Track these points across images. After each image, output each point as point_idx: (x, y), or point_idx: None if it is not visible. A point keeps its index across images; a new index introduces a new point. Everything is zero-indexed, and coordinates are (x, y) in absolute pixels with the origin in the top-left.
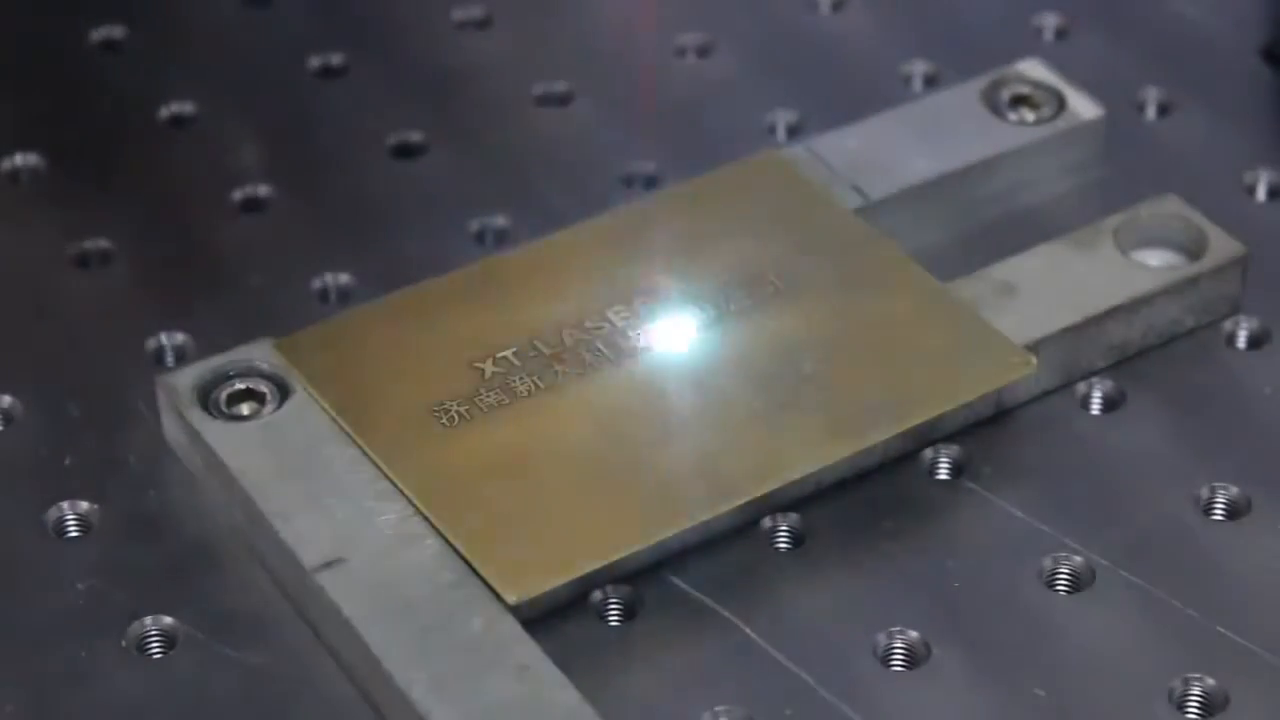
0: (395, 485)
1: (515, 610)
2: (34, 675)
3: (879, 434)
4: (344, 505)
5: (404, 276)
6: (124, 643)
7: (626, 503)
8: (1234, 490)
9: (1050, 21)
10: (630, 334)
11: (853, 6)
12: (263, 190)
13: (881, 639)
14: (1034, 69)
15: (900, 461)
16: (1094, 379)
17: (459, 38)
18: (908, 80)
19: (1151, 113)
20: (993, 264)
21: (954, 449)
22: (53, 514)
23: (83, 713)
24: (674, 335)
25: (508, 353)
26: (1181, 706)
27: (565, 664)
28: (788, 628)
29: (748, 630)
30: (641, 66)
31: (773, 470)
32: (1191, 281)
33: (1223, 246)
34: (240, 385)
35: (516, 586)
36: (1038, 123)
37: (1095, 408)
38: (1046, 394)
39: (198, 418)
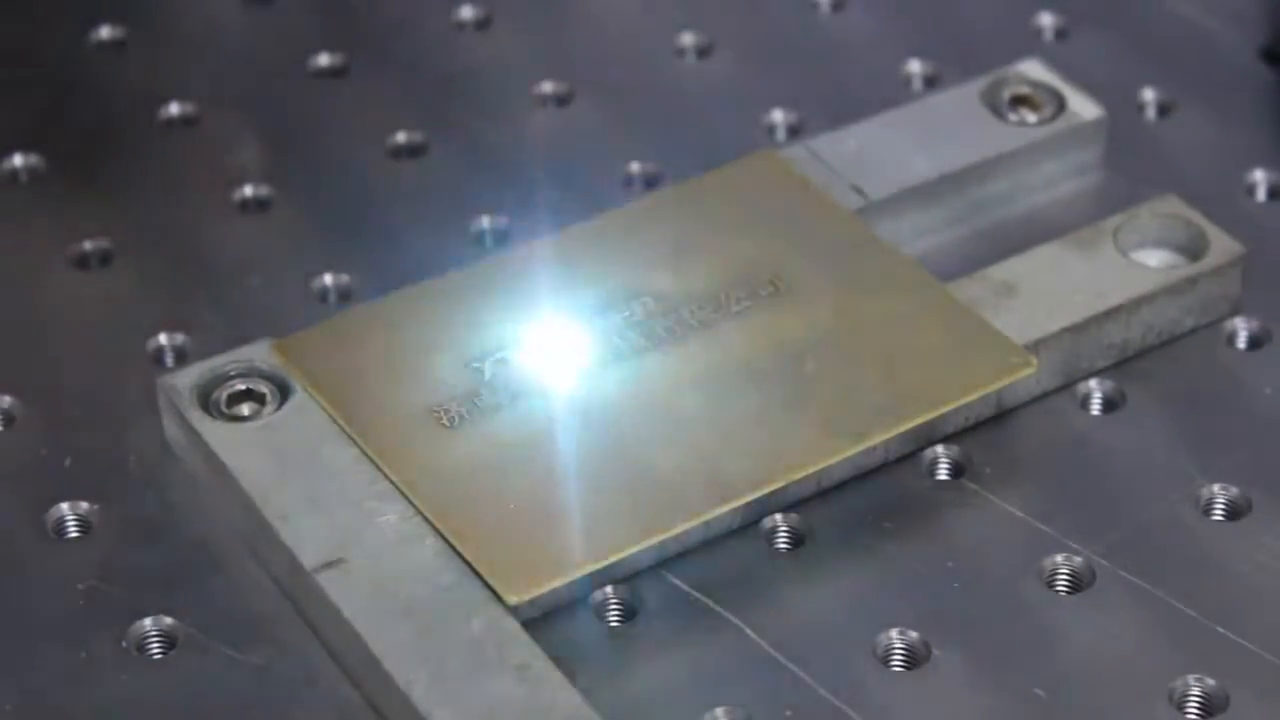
0: (395, 485)
1: (515, 610)
2: (34, 675)
3: (879, 434)
4: (344, 505)
5: (404, 276)
6: (124, 643)
7: (626, 503)
8: (1234, 490)
9: (1050, 21)
10: (630, 334)
11: (853, 6)
12: (263, 190)
13: (881, 639)
14: (1034, 69)
15: (900, 461)
16: (1094, 379)
17: (459, 38)
18: (908, 80)
19: (1151, 113)
20: (993, 264)
21: (954, 449)
22: (53, 514)
23: (83, 713)
24: (674, 335)
25: (508, 353)
26: (1181, 707)
27: (565, 664)
28: (788, 628)
29: (748, 630)
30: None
31: (773, 470)
32: (1191, 282)
33: (1223, 247)
34: (240, 386)
35: (516, 586)
36: (1038, 123)
37: (1095, 408)
38: (1046, 394)
39: (198, 418)
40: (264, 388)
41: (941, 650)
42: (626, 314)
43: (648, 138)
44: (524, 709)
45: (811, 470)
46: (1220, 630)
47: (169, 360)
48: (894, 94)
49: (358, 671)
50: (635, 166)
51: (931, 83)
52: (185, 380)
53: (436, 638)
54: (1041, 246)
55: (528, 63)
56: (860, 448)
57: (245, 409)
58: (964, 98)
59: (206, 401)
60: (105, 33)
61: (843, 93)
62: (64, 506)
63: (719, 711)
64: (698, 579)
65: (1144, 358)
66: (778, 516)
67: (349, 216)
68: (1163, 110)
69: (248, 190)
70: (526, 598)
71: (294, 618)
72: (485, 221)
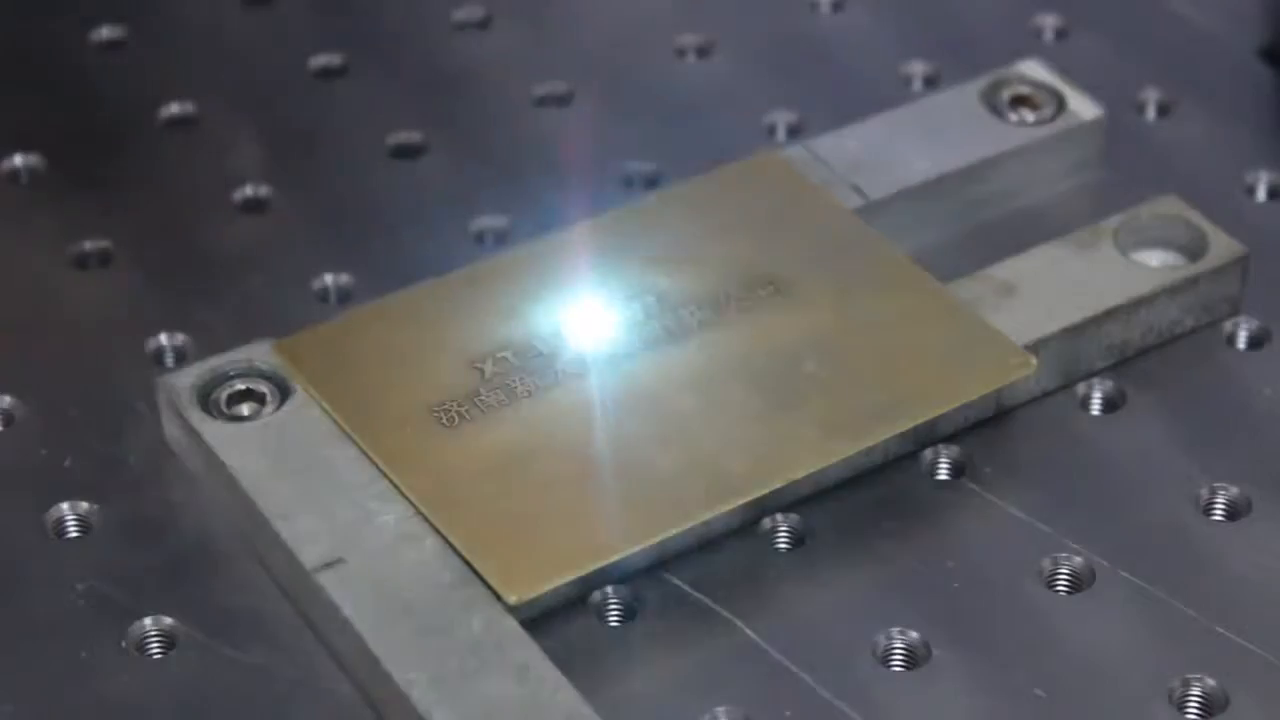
0: (395, 485)
1: (515, 610)
2: (34, 675)
3: (879, 434)
4: (344, 505)
5: (404, 276)
6: (124, 643)
7: (626, 503)
8: (1234, 490)
9: (1050, 21)
10: (630, 334)
11: (853, 6)
12: (263, 190)
13: (881, 639)
14: (1034, 69)
15: (900, 461)
16: (1094, 379)
17: (459, 38)
18: (908, 80)
19: (1151, 113)
20: (993, 264)
21: (954, 449)
22: (53, 514)
23: (83, 713)
24: (674, 335)
25: (508, 353)
26: (1181, 707)
27: (565, 664)
28: (788, 628)
29: (748, 630)
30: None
31: (773, 470)
32: (1191, 282)
33: (1223, 247)
34: (240, 385)
35: (516, 586)
36: (1038, 123)
37: (1095, 408)
38: (1046, 394)
39: (198, 418)
40: (264, 388)
41: (941, 650)
42: (627, 314)
43: (648, 138)
44: (524, 709)
45: (811, 470)
46: (1220, 630)
47: (169, 360)
48: (894, 94)
49: (358, 671)
50: (635, 166)
51: (931, 83)
52: (185, 380)
53: (436, 637)
54: (1041, 246)
55: (528, 63)
56: (860, 448)
57: (245, 409)
58: (964, 98)
59: (206, 401)
60: (105, 33)
61: (843, 93)
62: (64, 506)
63: (719, 711)
64: (698, 579)
65: (1144, 358)
66: (778, 516)
67: (349, 216)
68: (1163, 110)
69: (248, 190)
70: (526, 598)
71: (294, 618)
72: (485, 221)
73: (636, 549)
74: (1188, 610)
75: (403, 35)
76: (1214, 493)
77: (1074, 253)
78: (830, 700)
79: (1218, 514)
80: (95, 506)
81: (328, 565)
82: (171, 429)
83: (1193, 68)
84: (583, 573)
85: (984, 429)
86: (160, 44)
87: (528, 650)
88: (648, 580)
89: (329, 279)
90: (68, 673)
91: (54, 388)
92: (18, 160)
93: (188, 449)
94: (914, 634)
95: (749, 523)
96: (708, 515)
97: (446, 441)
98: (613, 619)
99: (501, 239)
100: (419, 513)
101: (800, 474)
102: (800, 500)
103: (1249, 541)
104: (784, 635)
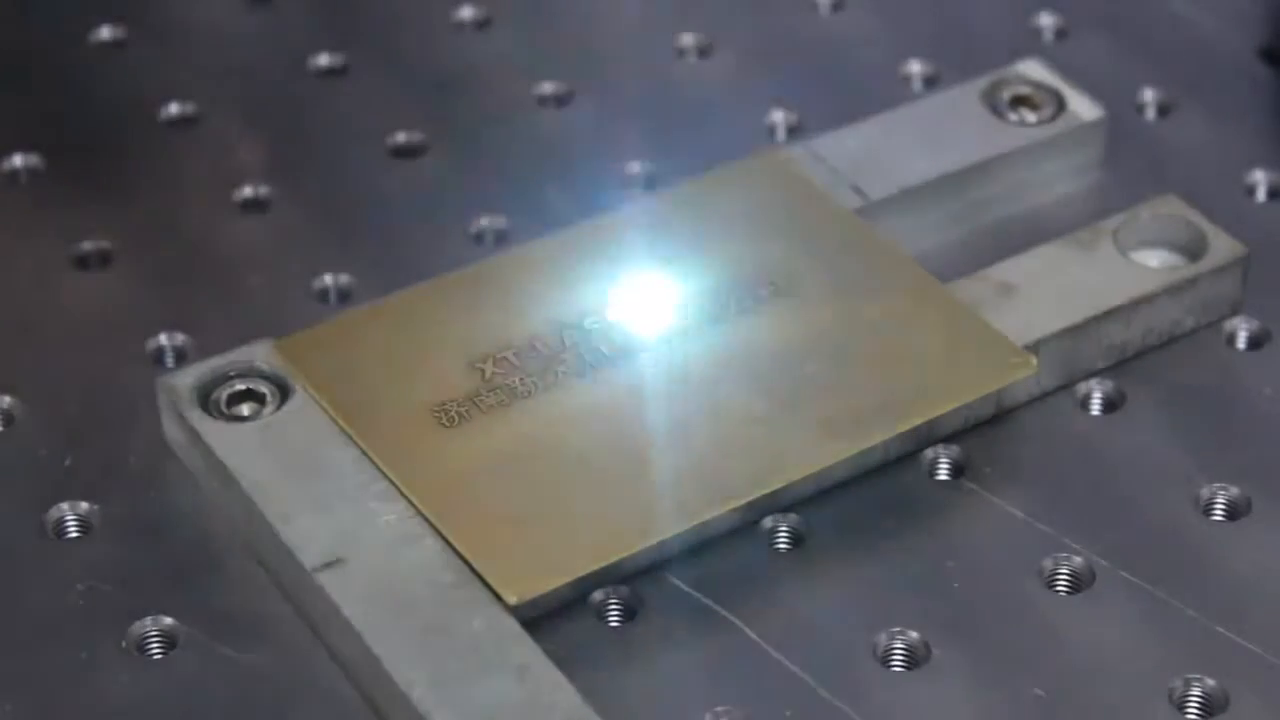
0: (395, 486)
1: (515, 610)
2: (34, 675)
3: (879, 434)
4: (344, 505)
5: (404, 276)
6: (124, 643)
7: (626, 503)
8: (1234, 490)
9: (1050, 22)
10: (630, 334)
11: (853, 6)
12: (263, 190)
13: (881, 639)
14: (1034, 69)
15: (900, 461)
16: (1094, 379)
17: (459, 38)
18: (908, 80)
19: (1151, 113)
20: (993, 264)
21: (954, 449)
22: (53, 514)
23: (83, 713)
24: (674, 336)
25: (508, 353)
26: (1181, 707)
27: (565, 664)
28: (788, 628)
29: (748, 630)
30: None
31: (773, 471)
32: (1191, 282)
33: (1223, 247)
34: (240, 386)
35: (516, 587)
36: (1038, 123)
37: (1095, 408)
38: (1046, 394)
39: (198, 418)
40: (264, 388)
41: (941, 650)
42: (626, 315)
43: (648, 138)
44: (524, 709)
45: (811, 470)
46: (1220, 630)
47: (169, 360)
48: (894, 94)
49: (358, 671)
50: (635, 166)
51: (931, 83)
52: (185, 380)
53: (436, 638)
54: (1041, 246)
55: (528, 63)
56: (860, 448)
57: (245, 409)
58: (964, 98)
59: (206, 401)
60: (105, 33)
61: (843, 93)
62: (64, 506)
63: (719, 711)
64: (698, 579)
65: (1144, 358)
66: (778, 516)
67: (349, 216)
68: (1163, 110)
69: (248, 190)
70: (526, 598)
71: (294, 618)
72: (485, 221)
73: (636, 549)
74: (1188, 610)
75: (403, 35)
76: (1214, 493)
77: (1074, 253)
78: (830, 700)
79: (1218, 514)
80: (95, 506)
81: (328, 565)
82: (171, 429)
83: (1193, 68)
84: (583, 573)
85: (984, 429)
86: (160, 44)
87: (528, 650)
88: (648, 580)
89: (329, 279)
90: (68, 673)
91: (54, 388)
92: (18, 160)
93: (188, 449)
94: (914, 634)
95: (749, 523)
96: (708, 515)
97: (446, 441)
98: (613, 619)
99: (501, 239)
100: (419, 513)
101: (800, 474)
102: (800, 500)
103: (1249, 541)
104: (784, 635)
